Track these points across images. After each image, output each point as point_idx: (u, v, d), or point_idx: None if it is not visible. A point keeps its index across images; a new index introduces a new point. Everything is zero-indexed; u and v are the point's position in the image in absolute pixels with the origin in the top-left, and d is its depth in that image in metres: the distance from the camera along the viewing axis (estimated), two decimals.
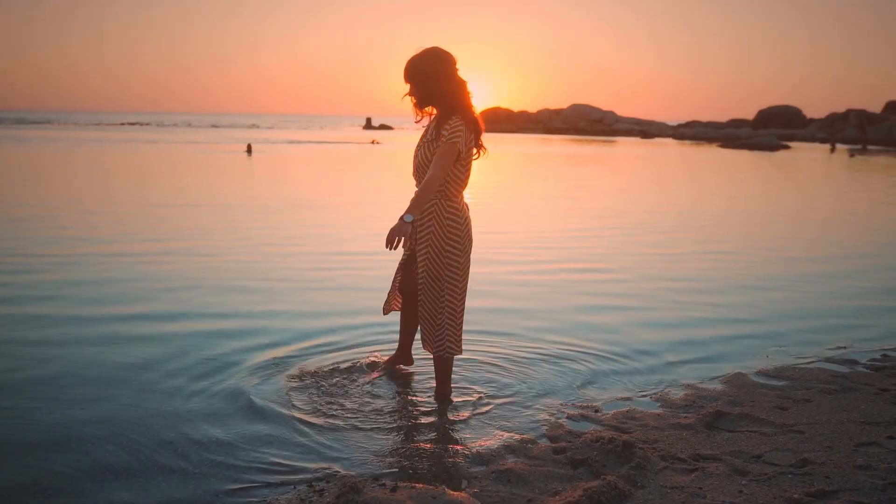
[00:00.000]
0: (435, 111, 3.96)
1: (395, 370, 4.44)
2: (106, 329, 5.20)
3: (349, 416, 3.82)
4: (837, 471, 3.16)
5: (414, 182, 4.03)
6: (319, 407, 3.92)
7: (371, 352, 4.79)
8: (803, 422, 3.77)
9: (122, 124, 79.25)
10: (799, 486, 3.04)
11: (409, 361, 4.50)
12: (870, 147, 49.82)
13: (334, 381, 4.28)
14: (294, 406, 3.91)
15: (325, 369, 4.45)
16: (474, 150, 3.94)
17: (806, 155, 38.74)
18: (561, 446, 3.49)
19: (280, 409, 3.87)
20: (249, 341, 4.98)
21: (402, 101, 4.03)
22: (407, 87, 3.96)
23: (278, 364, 4.53)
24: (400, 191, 16.68)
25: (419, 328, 4.17)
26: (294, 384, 4.21)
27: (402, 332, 4.44)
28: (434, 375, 4.18)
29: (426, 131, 4.00)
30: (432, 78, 3.82)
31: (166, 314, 5.62)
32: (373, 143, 45.94)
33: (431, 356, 4.59)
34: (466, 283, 4.14)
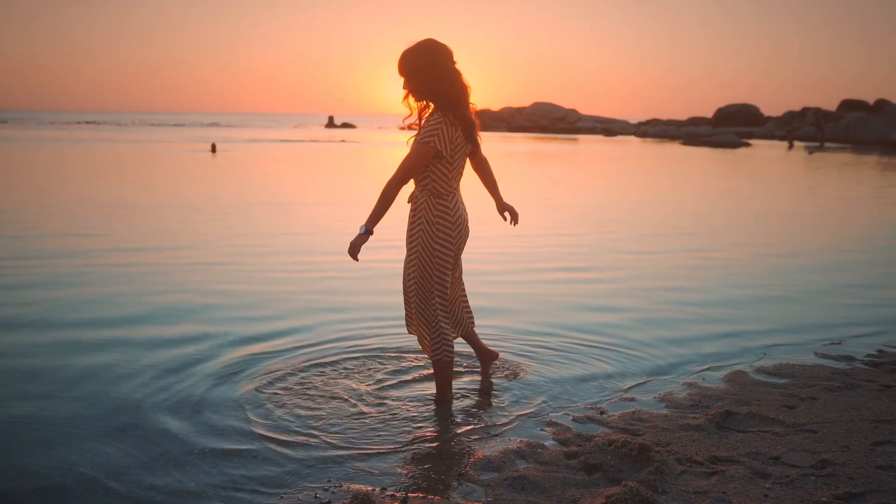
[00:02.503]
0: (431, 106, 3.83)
1: (488, 372, 4.38)
2: (41, 346, 4.76)
3: (346, 426, 3.67)
4: (860, 472, 3.10)
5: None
6: (310, 419, 3.73)
7: (345, 349, 4.75)
8: (814, 421, 3.71)
9: (79, 123, 76.98)
10: (823, 488, 2.97)
11: (494, 355, 4.40)
12: (827, 144, 50.75)
13: (318, 390, 4.09)
14: (282, 419, 3.73)
15: (306, 377, 4.27)
16: (470, 145, 3.81)
17: (767, 152, 39.29)
18: (572, 450, 3.39)
19: (264, 424, 3.66)
20: (218, 356, 4.77)
21: (393, 100, 3.91)
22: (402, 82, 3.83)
23: (254, 377, 4.29)
24: (366, 189, 16.50)
25: (405, 320, 4.05)
26: (274, 396, 4.00)
27: (469, 343, 4.33)
28: (434, 381, 4.06)
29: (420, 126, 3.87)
30: (422, 71, 3.67)
31: (116, 333, 5.09)
32: (342, 141, 45.68)
33: (418, 354, 4.51)
34: (461, 282, 4.04)
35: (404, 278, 3.95)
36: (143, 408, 3.84)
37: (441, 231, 3.75)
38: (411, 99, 3.79)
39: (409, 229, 3.85)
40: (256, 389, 4.08)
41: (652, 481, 3.05)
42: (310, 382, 4.20)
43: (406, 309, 4.02)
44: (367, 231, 3.64)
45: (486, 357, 4.37)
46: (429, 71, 3.64)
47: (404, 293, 3.98)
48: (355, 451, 3.38)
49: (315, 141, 45.72)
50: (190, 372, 4.36)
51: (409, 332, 4.10)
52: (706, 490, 2.98)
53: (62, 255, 7.71)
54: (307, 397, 3.99)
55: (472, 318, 4.21)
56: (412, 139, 3.80)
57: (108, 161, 23.49)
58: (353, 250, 3.65)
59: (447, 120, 3.63)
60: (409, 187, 3.95)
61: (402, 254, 3.99)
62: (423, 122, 3.80)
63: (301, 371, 4.37)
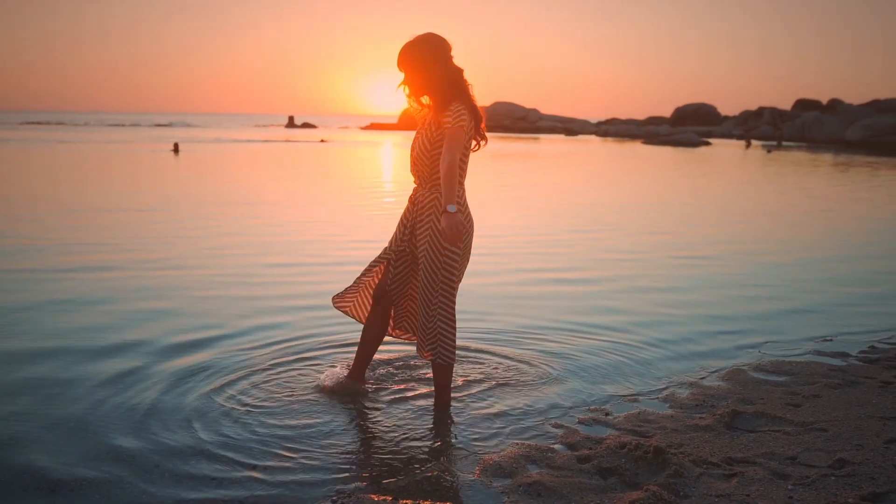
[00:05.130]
0: (430, 101, 3.71)
1: (344, 392, 3.94)
2: None
3: (344, 434, 3.53)
4: (879, 471, 3.07)
5: (413, 178, 3.76)
6: (303, 430, 3.55)
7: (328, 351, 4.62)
8: (822, 419, 3.69)
9: (28, 123, 72.46)
10: (847, 488, 2.93)
11: (362, 383, 4.00)
12: (784, 143, 51.67)
13: (306, 399, 3.89)
14: (271, 434, 3.50)
15: (291, 385, 4.07)
16: (474, 140, 3.72)
17: (727, 151, 39.90)
18: (584, 454, 3.30)
19: (251, 440, 3.41)
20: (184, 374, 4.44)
21: (397, 92, 3.78)
22: (401, 77, 3.71)
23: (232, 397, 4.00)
24: (343, 189, 16.31)
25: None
26: (257, 409, 3.76)
27: (361, 349, 3.95)
28: (433, 382, 3.94)
29: (422, 123, 3.76)
30: (427, 64, 3.56)
31: (62, 348, 4.62)
32: (322, 141, 44.59)
33: (411, 358, 4.38)
34: (458, 284, 3.91)
35: (421, 286, 3.73)
36: (90, 451, 3.28)
37: None
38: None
39: (416, 229, 3.69)
40: (235, 405, 3.79)
41: (672, 485, 2.98)
42: (295, 391, 4.00)
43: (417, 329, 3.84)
44: (457, 210, 3.44)
45: (357, 378, 4.01)
46: (431, 65, 3.53)
47: (399, 297, 3.83)
48: (357, 460, 3.25)
49: (288, 141, 44.88)
50: (154, 397, 4.03)
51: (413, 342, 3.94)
52: (729, 493, 2.92)
53: (15, 262, 7.43)
54: (296, 407, 3.79)
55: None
56: (422, 134, 3.64)
57: (65, 163, 22.89)
58: (459, 230, 3.41)
59: (467, 110, 3.54)
60: (408, 186, 3.84)
61: (371, 254, 3.80)
62: (425, 115, 3.71)
63: (286, 379, 4.17)
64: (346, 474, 3.12)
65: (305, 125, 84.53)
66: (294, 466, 3.18)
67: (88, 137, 42.61)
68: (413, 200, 3.73)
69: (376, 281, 3.89)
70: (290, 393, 3.97)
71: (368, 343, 3.93)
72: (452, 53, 3.67)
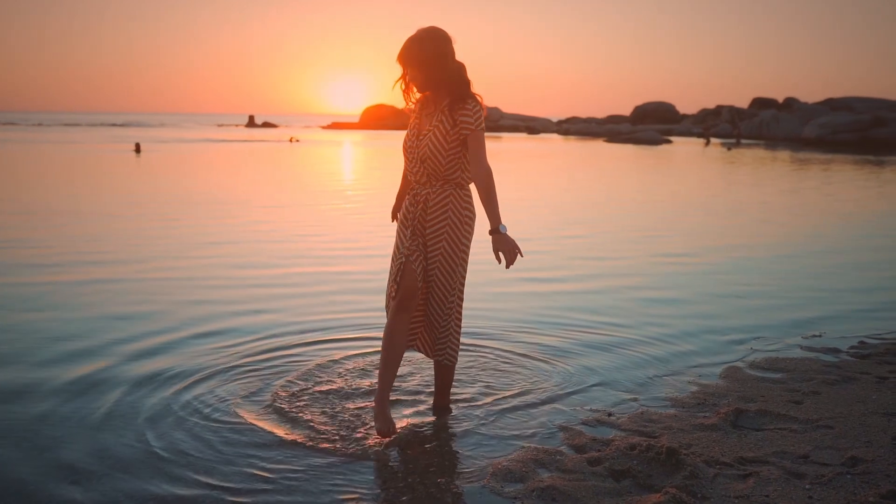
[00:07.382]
0: (436, 97, 3.59)
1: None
2: None
3: (345, 440, 3.43)
4: (894, 468, 3.06)
5: (414, 177, 3.63)
6: (301, 436, 3.45)
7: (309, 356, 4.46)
8: (826, 416, 3.69)
9: None
10: (864, 486, 2.92)
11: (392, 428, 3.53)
12: (742, 141, 52.48)
13: (294, 406, 3.76)
14: (264, 446, 3.40)
15: (275, 392, 3.94)
16: None
17: (688, 149, 40.35)
18: (593, 456, 3.25)
19: (235, 453, 3.32)
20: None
21: (392, 88, 3.68)
22: (399, 72, 3.59)
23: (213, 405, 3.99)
24: (322, 188, 16.12)
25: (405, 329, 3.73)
26: (249, 422, 3.65)
27: (390, 369, 3.52)
28: (434, 384, 3.85)
29: (420, 120, 3.62)
30: (440, 59, 3.43)
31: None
32: (291, 141, 43.49)
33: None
34: None
35: (437, 287, 3.60)
36: (38, 471, 3.04)
37: (468, 225, 3.55)
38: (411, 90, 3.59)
39: (427, 226, 3.55)
40: (206, 419, 3.63)
41: (689, 486, 2.94)
42: (285, 397, 3.88)
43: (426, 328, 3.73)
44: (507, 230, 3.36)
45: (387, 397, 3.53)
46: (449, 58, 3.43)
47: (405, 299, 3.68)
48: (361, 471, 3.15)
49: (264, 141, 43.85)
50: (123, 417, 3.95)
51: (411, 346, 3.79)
52: (747, 494, 2.89)
53: None
54: (291, 415, 3.67)
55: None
56: (433, 132, 3.46)
57: (25, 164, 22.30)
58: (516, 248, 3.33)
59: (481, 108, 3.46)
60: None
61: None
62: (416, 114, 3.61)
63: (274, 386, 4.05)
64: (350, 485, 3.01)
65: (266, 124, 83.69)
66: (293, 481, 3.05)
67: (45, 138, 41.62)
68: (417, 201, 3.56)
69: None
70: (275, 401, 3.83)
71: (397, 362, 3.54)
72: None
